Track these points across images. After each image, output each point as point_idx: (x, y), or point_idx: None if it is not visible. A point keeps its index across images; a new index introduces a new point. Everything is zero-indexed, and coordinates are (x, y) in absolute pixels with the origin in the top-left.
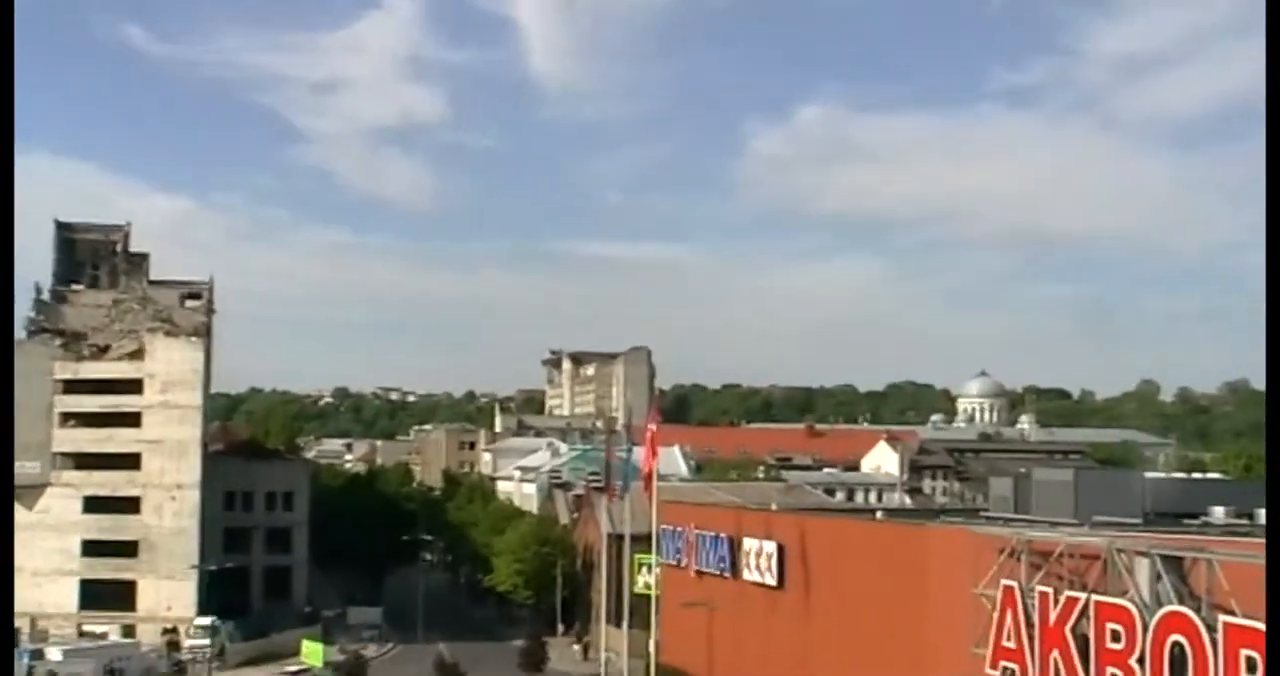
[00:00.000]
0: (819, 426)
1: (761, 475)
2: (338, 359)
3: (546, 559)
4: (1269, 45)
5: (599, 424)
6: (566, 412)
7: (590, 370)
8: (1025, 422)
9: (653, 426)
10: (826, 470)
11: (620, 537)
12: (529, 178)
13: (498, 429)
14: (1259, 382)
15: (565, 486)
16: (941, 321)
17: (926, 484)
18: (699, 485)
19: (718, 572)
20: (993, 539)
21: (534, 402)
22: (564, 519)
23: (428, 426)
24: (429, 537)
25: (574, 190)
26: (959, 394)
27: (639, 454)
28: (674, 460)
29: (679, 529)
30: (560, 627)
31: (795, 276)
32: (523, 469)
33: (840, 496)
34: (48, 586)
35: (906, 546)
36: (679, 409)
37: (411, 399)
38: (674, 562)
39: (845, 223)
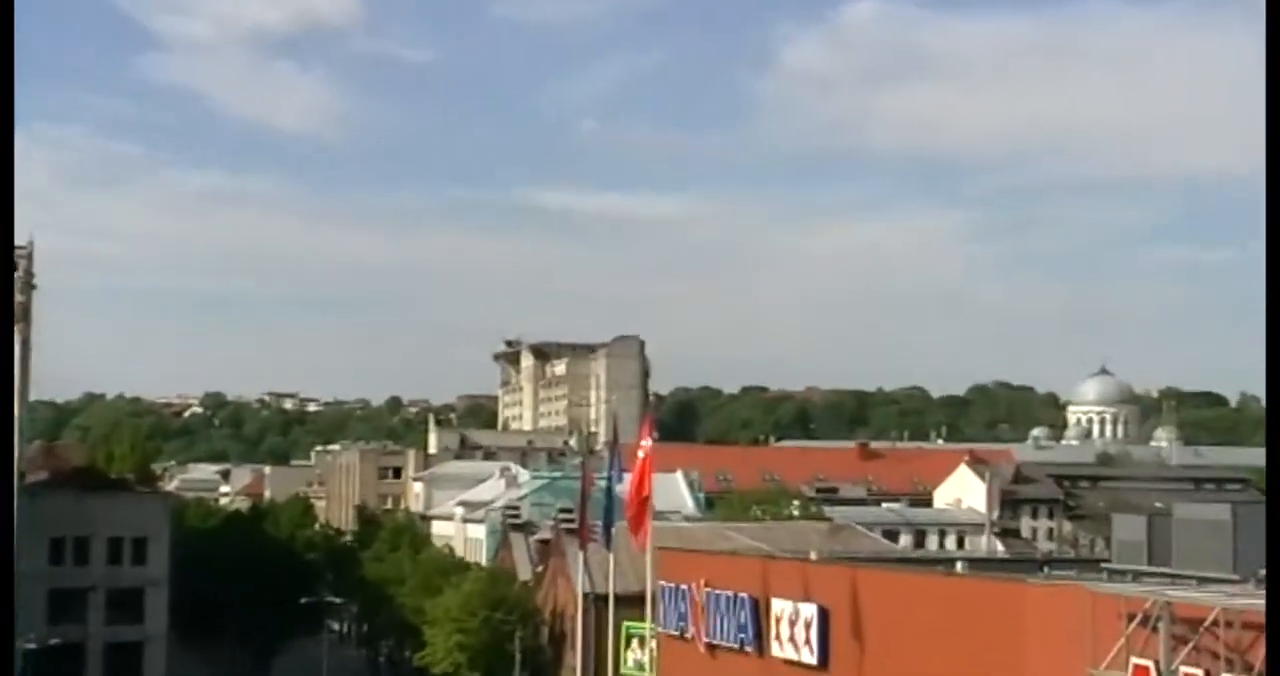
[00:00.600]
0: (875, 445)
1: (797, 512)
2: (209, 353)
3: (500, 628)
4: (1269, 45)
5: (572, 442)
6: (527, 426)
7: (560, 368)
8: (1163, 439)
9: (646, 445)
10: (887, 506)
11: (602, 599)
12: (475, 103)
13: (432, 449)
14: None
15: (526, 528)
16: (1042, 299)
17: (1025, 524)
18: (711, 526)
19: (736, 646)
20: (1119, 600)
21: (482, 413)
22: (524, 573)
23: (335, 446)
24: (336, 600)
25: (537, 120)
26: (1070, 400)
27: (628, 483)
28: (676, 491)
29: (683, 586)
30: None
31: (838, 238)
32: (467, 504)
33: (906, 540)
34: None
35: (998, 610)
36: (683, 421)
37: (313, 408)
38: (676, 632)
39: (906, 163)
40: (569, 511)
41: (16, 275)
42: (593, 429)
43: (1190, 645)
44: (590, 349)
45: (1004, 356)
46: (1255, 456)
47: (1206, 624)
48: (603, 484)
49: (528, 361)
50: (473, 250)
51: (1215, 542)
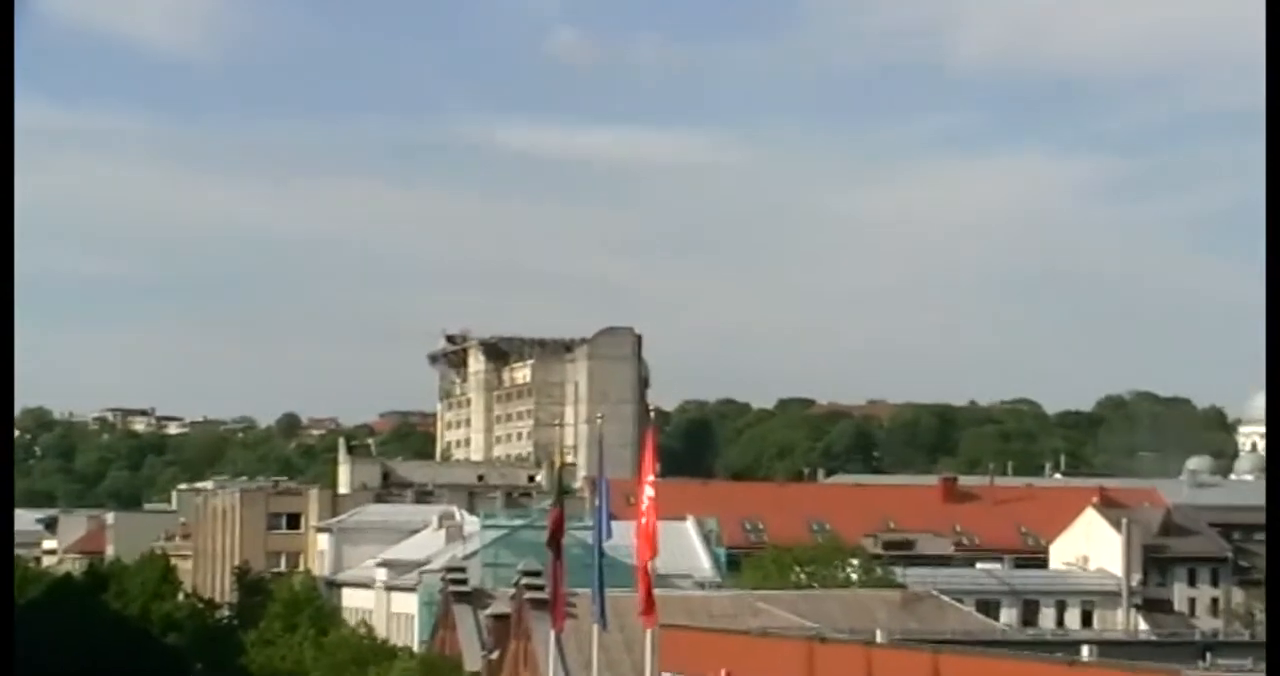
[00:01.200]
0: (966, 481)
1: (856, 575)
2: (27, 355)
3: None
4: (1269, 45)
5: (540, 477)
6: (477, 455)
7: (523, 373)
8: None
9: (649, 482)
10: (982, 566)
11: None
12: (408, 4)
13: (344, 487)
14: None
15: (476, 598)
16: (1199, 278)
17: (1179, 591)
18: (736, 596)
19: None
20: None
21: (414, 437)
22: (472, 662)
23: (206, 483)
24: None
25: (494, 29)
26: (1242, 417)
27: (621, 535)
28: (687, 546)
29: None
30: None
31: (910, 194)
32: (392, 565)
33: (1009, 615)
34: None
35: None
36: (695, 447)
37: (174, 431)
38: None
39: (1005, 89)
40: (535, 575)
41: None
42: (569, 458)
43: None
44: (566, 347)
45: (1148, 358)
46: None
47: None
48: (584, 536)
49: (478, 365)
50: (402, 210)
51: None
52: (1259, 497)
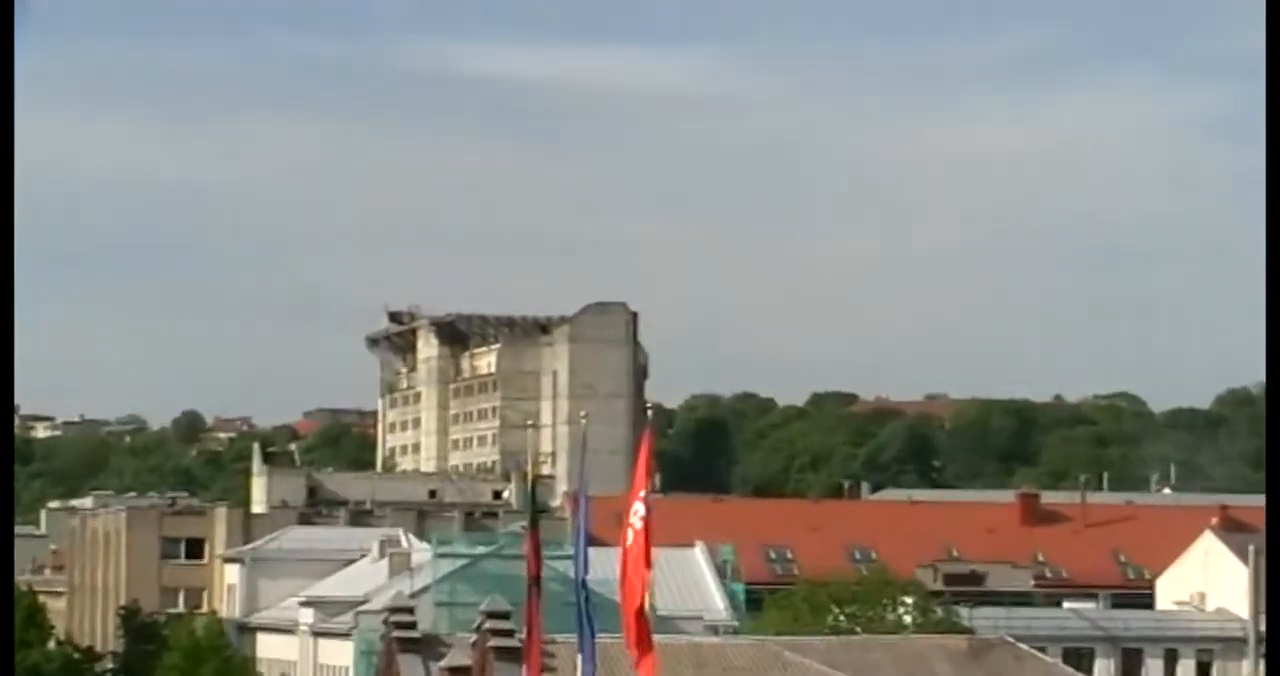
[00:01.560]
0: (1050, 497)
1: (909, 617)
2: None
3: None
4: (1269, 45)
5: (509, 493)
6: (429, 465)
7: (487, 360)
8: None
9: (642, 497)
10: (1070, 605)
11: None
12: None
13: (259, 506)
14: None
15: (427, 647)
16: None
17: None
18: (757, 643)
19: None
20: None
21: (348, 441)
22: None
23: (84, 500)
24: None
25: None
26: None
27: (609, 566)
28: (696, 580)
29: None
30: None
31: (979, 127)
32: (321, 604)
33: (1105, 668)
34: None
35: None
36: (705, 454)
37: (43, 434)
38: None
39: None
40: (503, 617)
41: None
42: (546, 469)
43: None
44: (541, 327)
45: None
46: None
47: None
48: (566, 567)
49: (429, 350)
50: (331, 153)
51: None
52: None
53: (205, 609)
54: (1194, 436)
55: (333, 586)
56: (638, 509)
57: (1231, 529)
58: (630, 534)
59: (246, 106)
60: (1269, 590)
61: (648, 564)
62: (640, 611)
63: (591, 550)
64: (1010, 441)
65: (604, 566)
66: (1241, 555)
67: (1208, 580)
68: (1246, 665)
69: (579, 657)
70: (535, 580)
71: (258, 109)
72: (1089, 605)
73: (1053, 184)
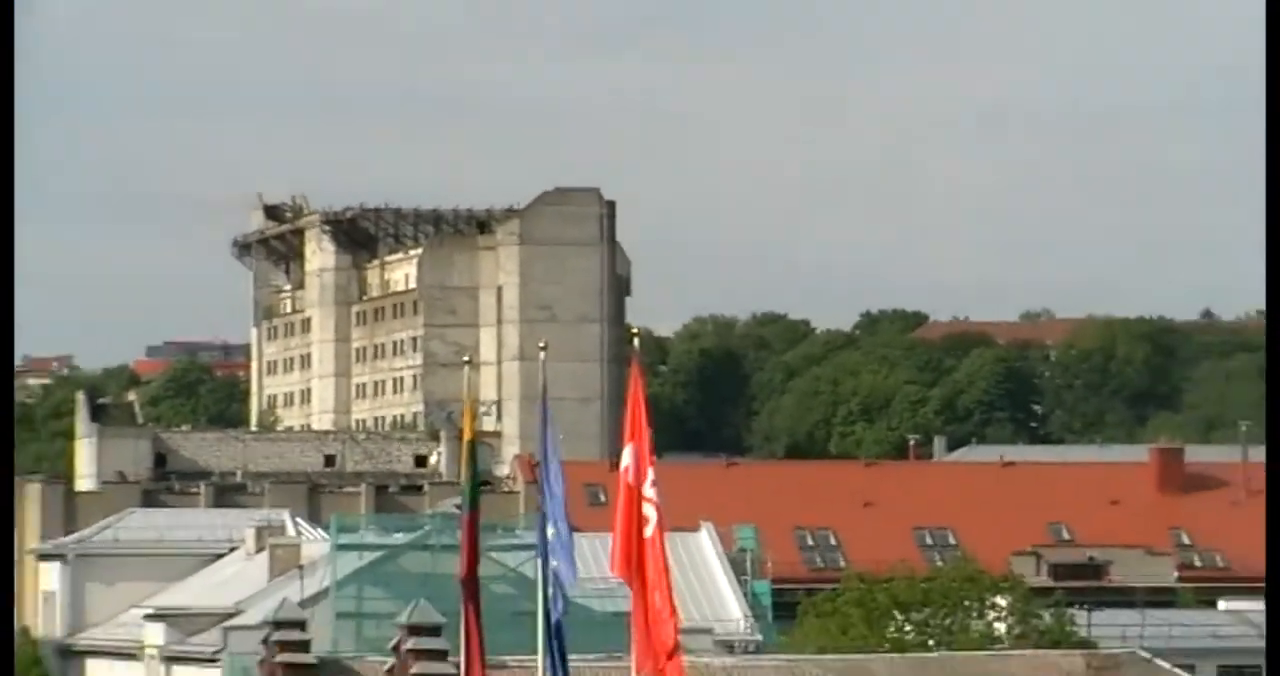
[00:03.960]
0: (1195, 453)
1: (1004, 624)
2: None
3: None
4: (1269, 45)
5: (436, 457)
6: (323, 417)
7: (404, 271)
8: None
9: (630, 464)
10: (1227, 605)
11: None
12: None
13: (87, 480)
14: None
15: (326, 674)
16: None
17: None
18: (791, 663)
19: None
20: None
21: (210, 389)
22: None
23: None
24: None
25: None
26: None
27: (583, 560)
28: (704, 576)
29: None
30: None
31: None
32: (174, 618)
33: None
34: None
35: None
36: (715, 400)
37: None
38: None
39: None
40: (431, 632)
41: None
42: (489, 423)
43: None
44: (479, 224)
45: None
46: None
47: None
48: (520, 562)
49: (323, 257)
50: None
51: None
52: None
53: (16, 626)
54: None
55: (192, 593)
56: (626, 463)
57: None
58: (651, 519)
59: None
60: (1269, 589)
61: (659, 544)
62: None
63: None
64: (1142, 377)
65: (579, 561)
66: None
67: None
68: None
69: None
70: (472, 581)
71: None
72: (1254, 604)
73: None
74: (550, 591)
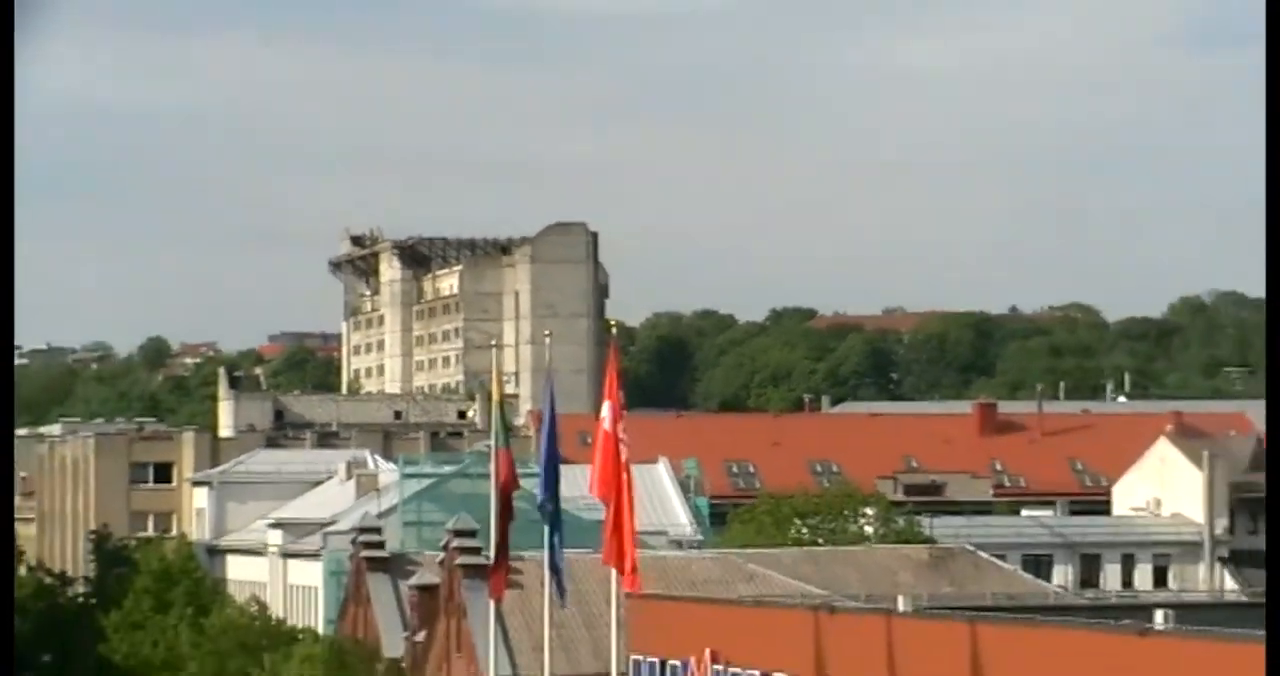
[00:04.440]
0: (1008, 407)
1: (871, 528)
2: None
3: None
4: (1269, 45)
5: (473, 412)
6: (393, 386)
7: (449, 282)
8: None
9: (607, 415)
10: (1029, 513)
11: None
12: None
13: (226, 429)
14: None
15: (395, 566)
16: None
17: None
18: (722, 557)
19: None
20: None
21: (313, 365)
22: (392, 646)
23: (52, 427)
24: None
25: None
26: None
27: (574, 483)
28: (660, 495)
29: (675, 664)
30: None
31: (935, 37)
32: (289, 525)
33: (1063, 574)
34: None
35: None
36: (668, 372)
37: None
38: None
39: None
40: (470, 535)
41: None
42: (510, 388)
43: None
44: (503, 249)
45: (1232, 250)
46: None
47: None
48: (530, 485)
49: (392, 272)
50: (285, 73)
51: None
52: None
53: (175, 532)
54: (1147, 346)
55: (300, 508)
56: (606, 416)
57: (1186, 435)
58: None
59: (198, 29)
60: (1269, 587)
61: (621, 476)
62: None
63: (559, 470)
64: (968, 353)
65: (570, 484)
66: (1196, 461)
67: (1163, 486)
68: (1202, 568)
69: (546, 573)
70: (506, 497)
71: (208, 32)
72: (1047, 512)
73: (1007, 95)
74: (554, 508)
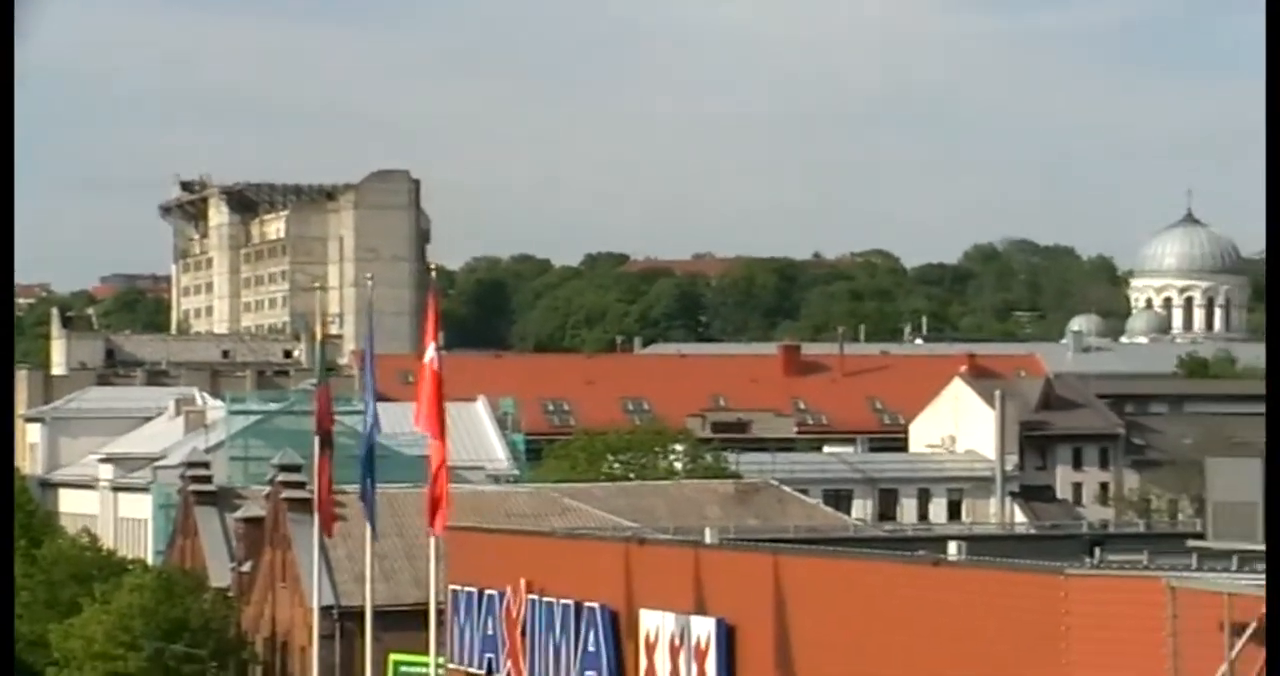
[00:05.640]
0: (810, 348)
1: (680, 463)
2: None
3: (179, 669)
4: (1269, 45)
5: (299, 352)
6: (221, 327)
7: (276, 226)
8: None
9: (431, 355)
10: (830, 450)
11: (354, 616)
12: None
13: (58, 368)
14: None
15: (222, 499)
16: (1084, 101)
17: (1062, 475)
18: (537, 491)
19: None
20: (1219, 600)
21: (144, 305)
22: (219, 576)
23: None
24: None
25: None
26: (1135, 269)
27: (396, 421)
28: (478, 432)
29: (491, 593)
30: None
31: None
32: (119, 460)
33: (863, 507)
34: None
35: (1020, 619)
36: (487, 313)
37: None
38: (479, 670)
39: None
40: (295, 469)
41: None
42: (334, 329)
43: None
44: (328, 194)
45: (1023, 200)
46: None
47: None
48: (355, 422)
49: (220, 217)
50: (114, 23)
51: None
52: (1153, 363)
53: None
54: (943, 290)
55: (130, 443)
56: (432, 362)
57: (979, 375)
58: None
59: None
60: (1269, 586)
61: (438, 413)
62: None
63: (380, 405)
64: (773, 297)
65: (391, 420)
66: (988, 400)
67: (957, 424)
68: (994, 502)
69: (363, 507)
70: (326, 434)
71: None
72: (847, 449)
73: (809, 53)
74: (371, 445)
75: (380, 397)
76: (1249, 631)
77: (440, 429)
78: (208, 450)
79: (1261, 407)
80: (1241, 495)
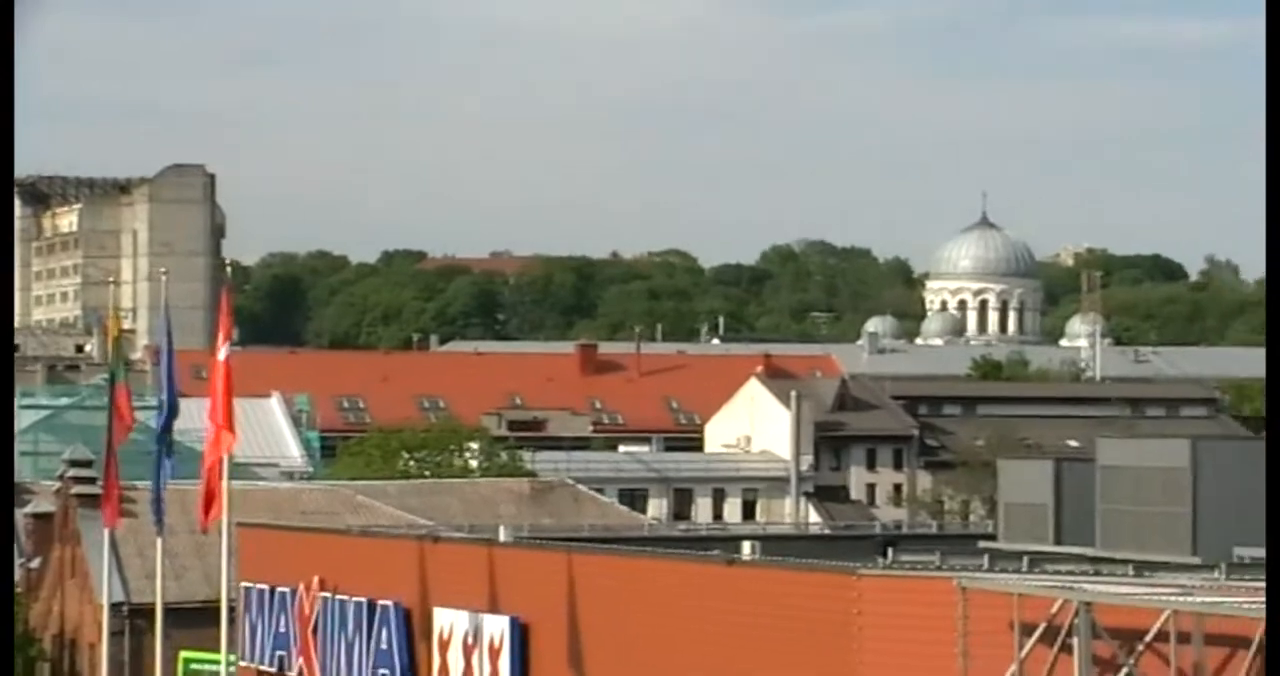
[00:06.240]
0: (607, 348)
1: (475, 461)
2: None
3: None
4: (1269, 44)
5: (90, 346)
6: (12, 316)
7: (68, 219)
8: (1082, 335)
9: (222, 352)
10: (626, 449)
11: (144, 614)
12: None
13: None
14: None
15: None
16: (885, 103)
17: (856, 476)
18: (331, 488)
19: None
20: (1009, 600)
21: None
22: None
23: None
24: None
25: None
26: (931, 271)
27: (191, 416)
28: (272, 428)
29: (284, 590)
30: None
31: None
32: None
33: (658, 507)
34: None
35: (813, 618)
36: (282, 309)
37: None
38: (271, 667)
39: None
40: (85, 465)
41: None
42: (127, 324)
43: (1123, 672)
44: (122, 188)
45: (820, 202)
46: (1229, 361)
47: (1149, 636)
48: (148, 418)
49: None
50: None
51: (1165, 503)
52: (948, 365)
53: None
54: (740, 290)
55: None
56: (220, 351)
57: (775, 376)
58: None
59: None
60: (1269, 584)
61: (228, 410)
62: (216, 460)
63: (175, 404)
64: (570, 296)
65: (186, 416)
66: (784, 400)
67: (753, 424)
68: (788, 502)
69: (150, 503)
70: (123, 428)
71: None
72: (643, 448)
73: (611, 52)
74: (164, 441)
75: (179, 394)
76: (1038, 631)
77: (229, 424)
78: None
79: (1052, 410)
80: (1032, 496)
